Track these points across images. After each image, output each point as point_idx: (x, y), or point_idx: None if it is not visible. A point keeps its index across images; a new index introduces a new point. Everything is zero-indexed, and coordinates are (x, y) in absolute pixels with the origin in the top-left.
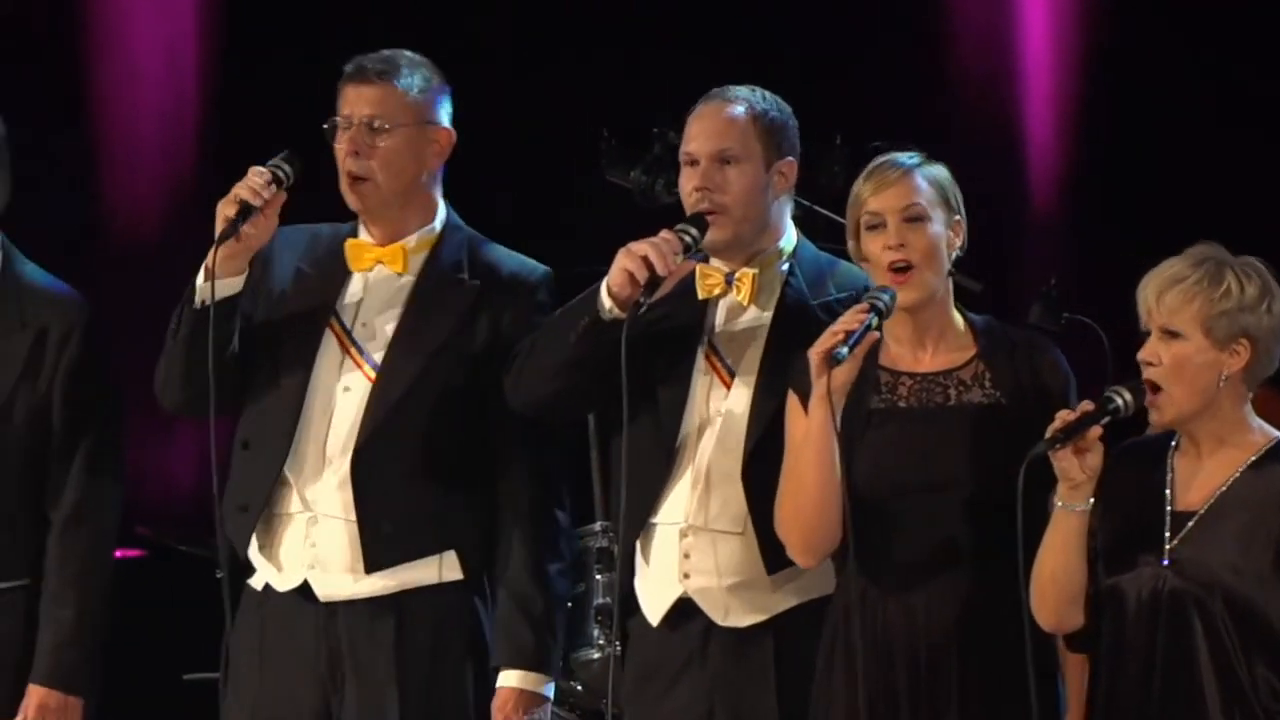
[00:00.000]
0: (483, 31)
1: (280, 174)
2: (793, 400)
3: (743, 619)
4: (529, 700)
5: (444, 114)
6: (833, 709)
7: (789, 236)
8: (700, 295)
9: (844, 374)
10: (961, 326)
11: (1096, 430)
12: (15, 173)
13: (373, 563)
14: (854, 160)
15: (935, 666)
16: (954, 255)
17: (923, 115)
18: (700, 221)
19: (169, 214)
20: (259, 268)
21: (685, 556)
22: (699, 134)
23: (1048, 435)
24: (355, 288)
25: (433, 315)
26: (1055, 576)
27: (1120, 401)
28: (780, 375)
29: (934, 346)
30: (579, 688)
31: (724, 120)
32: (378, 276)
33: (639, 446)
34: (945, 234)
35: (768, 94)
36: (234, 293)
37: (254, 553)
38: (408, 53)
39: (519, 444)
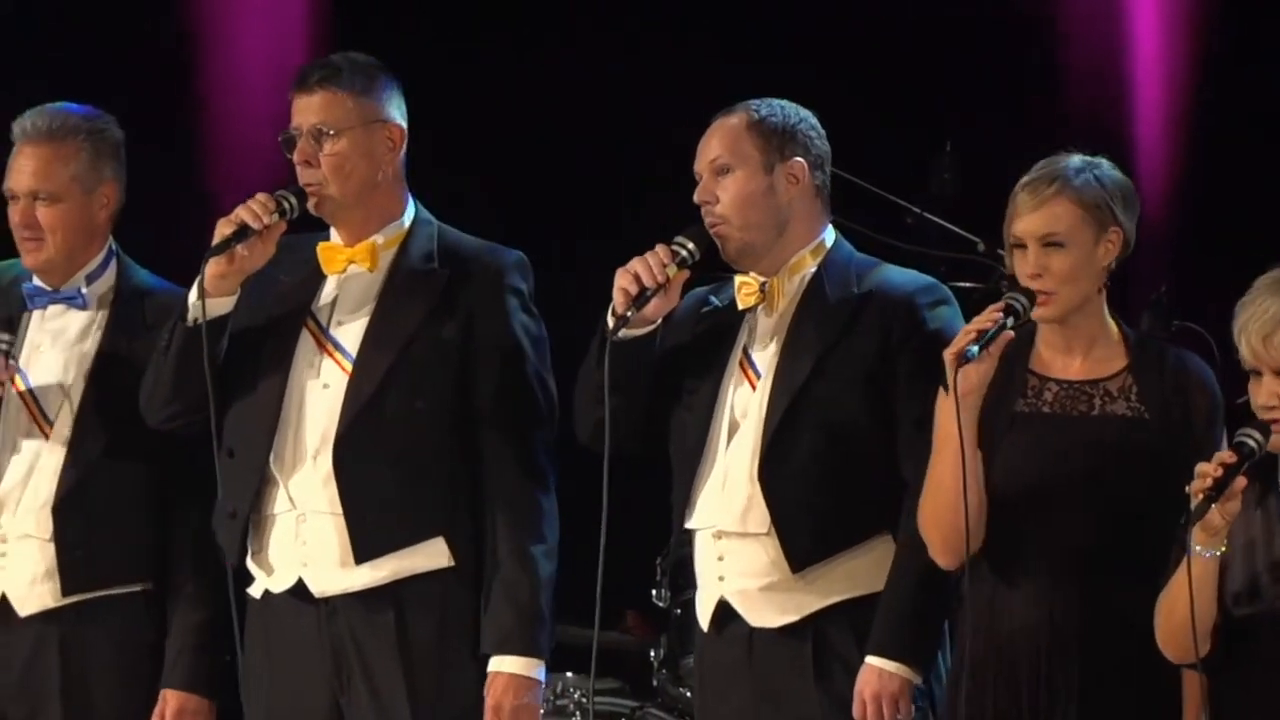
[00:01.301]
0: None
1: (286, 204)
2: (941, 400)
3: (777, 619)
4: (520, 685)
5: (394, 110)
6: (958, 710)
7: (823, 239)
8: (740, 306)
9: (977, 373)
10: (1115, 337)
11: (1241, 481)
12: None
13: (361, 553)
14: (963, 166)
15: (1055, 674)
16: (1109, 264)
17: (1031, 121)
18: (700, 233)
19: None
20: None
21: (720, 559)
22: (699, 151)
23: (1196, 494)
24: (329, 289)
25: (403, 306)
26: (1187, 618)
27: (1253, 444)
28: (789, 375)
29: (1084, 355)
30: (688, 694)
31: (718, 132)
32: (350, 275)
33: (681, 454)
34: (1093, 251)
35: (778, 101)
36: (224, 312)
37: (248, 561)
38: (352, 54)
39: (500, 428)
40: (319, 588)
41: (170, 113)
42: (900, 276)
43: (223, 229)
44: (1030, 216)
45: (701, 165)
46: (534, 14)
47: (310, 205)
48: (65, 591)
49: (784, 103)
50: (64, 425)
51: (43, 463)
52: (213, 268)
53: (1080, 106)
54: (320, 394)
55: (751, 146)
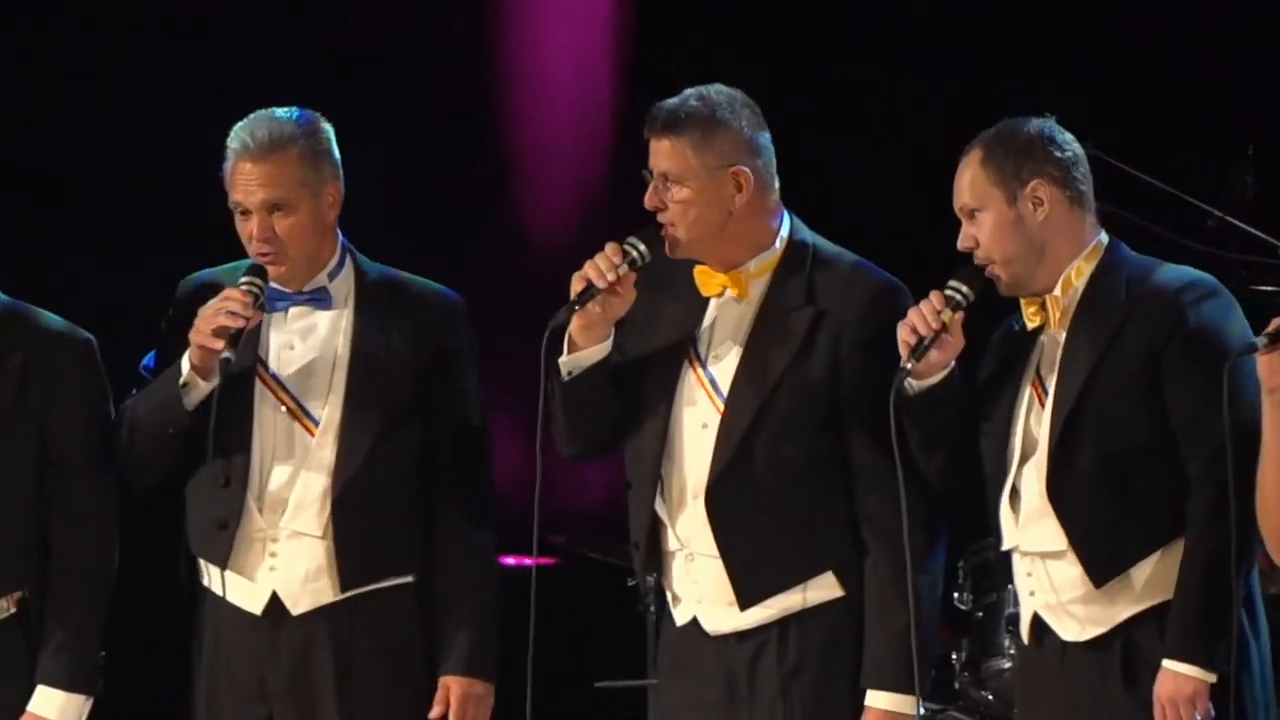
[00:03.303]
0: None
1: (635, 253)
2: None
3: (1085, 633)
4: None
5: (742, 150)
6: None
7: (1098, 243)
8: (1028, 327)
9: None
10: None
11: None
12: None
13: (746, 598)
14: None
15: None
16: None
17: None
18: (972, 275)
19: (581, 227)
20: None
21: (1028, 576)
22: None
23: None
24: (708, 317)
25: (772, 344)
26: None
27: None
28: (1065, 392)
29: None
30: (990, 697)
31: (961, 175)
32: (724, 304)
33: (988, 476)
34: None
35: (1013, 122)
36: (600, 358)
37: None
38: (710, 92)
39: (878, 465)
40: (711, 626)
41: (477, 122)
42: (1168, 275)
43: (576, 284)
44: None
45: (957, 209)
46: (839, 23)
47: (668, 250)
48: (343, 587)
49: (1016, 122)
50: (331, 422)
51: (311, 460)
52: (576, 320)
53: None
54: (698, 434)
55: (988, 183)
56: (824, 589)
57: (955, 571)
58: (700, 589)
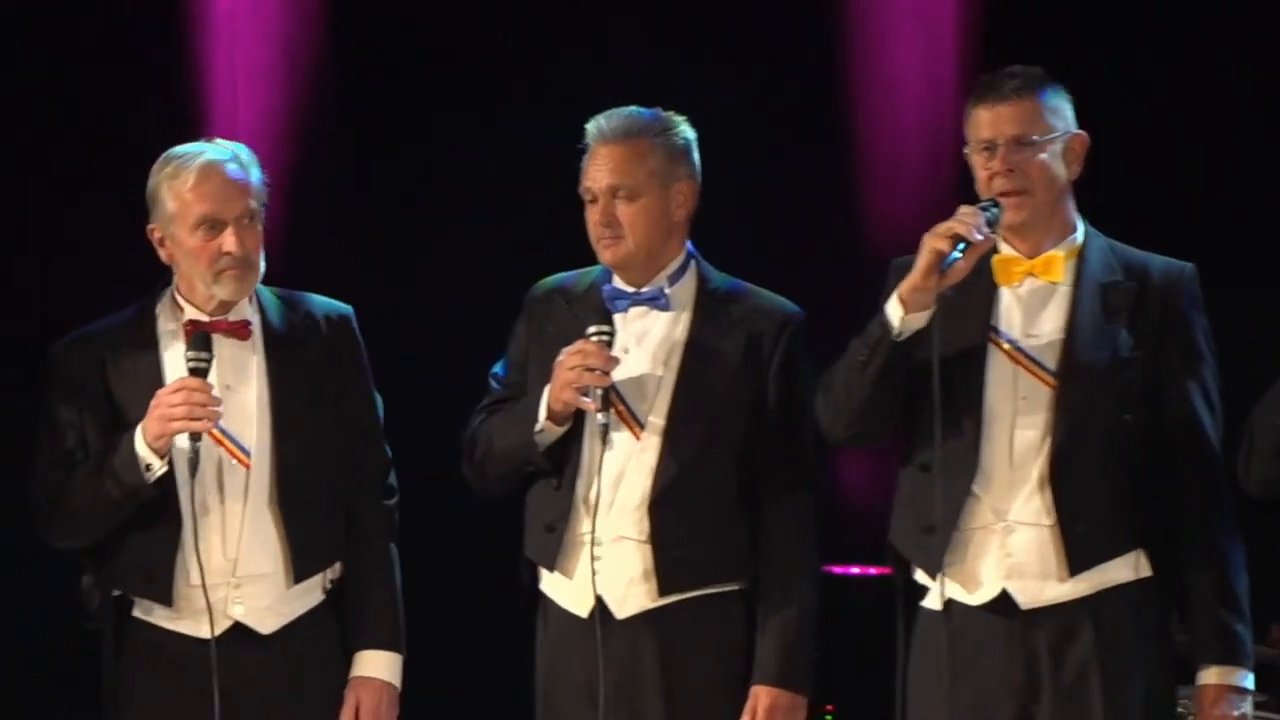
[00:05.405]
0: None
1: (991, 214)
2: None
3: None
4: (1231, 694)
5: (1073, 120)
6: None
7: None
8: None
9: None
10: None
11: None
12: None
13: (1075, 565)
14: None
15: None
16: None
17: None
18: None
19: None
20: None
21: None
22: None
23: None
24: (1009, 301)
25: (1098, 319)
26: None
27: None
28: None
29: None
30: None
31: None
32: (1030, 288)
33: None
34: None
35: None
36: (921, 326)
37: (922, 575)
38: (1025, 66)
39: (1192, 439)
40: (1027, 599)
41: (823, 126)
42: None
43: (934, 243)
44: None
45: None
46: (1192, 30)
47: (1012, 216)
48: (663, 592)
49: None
50: (656, 426)
51: (635, 464)
52: (923, 283)
53: None
54: (1023, 407)
55: None
56: (1139, 567)
57: None
58: (1013, 561)
